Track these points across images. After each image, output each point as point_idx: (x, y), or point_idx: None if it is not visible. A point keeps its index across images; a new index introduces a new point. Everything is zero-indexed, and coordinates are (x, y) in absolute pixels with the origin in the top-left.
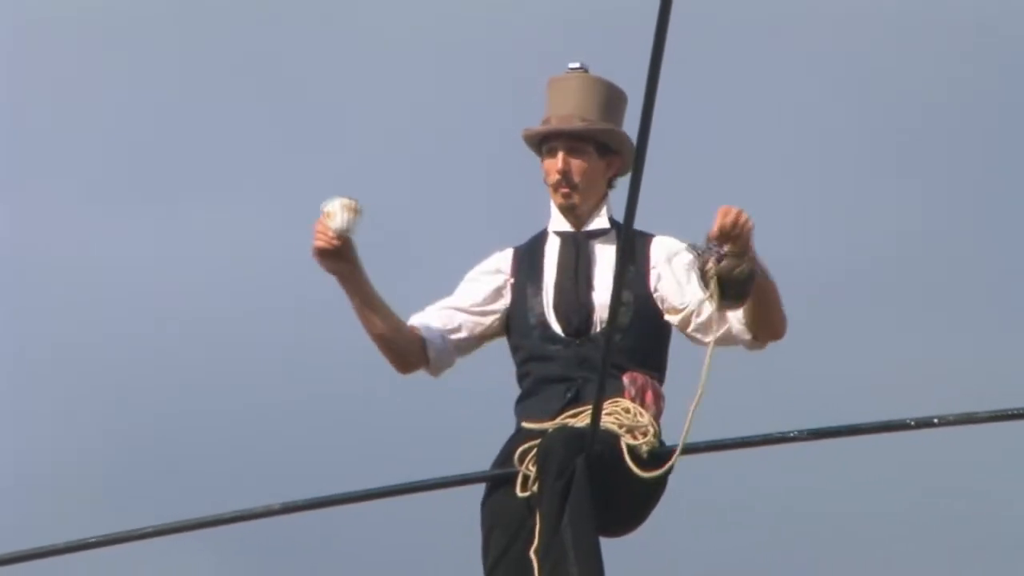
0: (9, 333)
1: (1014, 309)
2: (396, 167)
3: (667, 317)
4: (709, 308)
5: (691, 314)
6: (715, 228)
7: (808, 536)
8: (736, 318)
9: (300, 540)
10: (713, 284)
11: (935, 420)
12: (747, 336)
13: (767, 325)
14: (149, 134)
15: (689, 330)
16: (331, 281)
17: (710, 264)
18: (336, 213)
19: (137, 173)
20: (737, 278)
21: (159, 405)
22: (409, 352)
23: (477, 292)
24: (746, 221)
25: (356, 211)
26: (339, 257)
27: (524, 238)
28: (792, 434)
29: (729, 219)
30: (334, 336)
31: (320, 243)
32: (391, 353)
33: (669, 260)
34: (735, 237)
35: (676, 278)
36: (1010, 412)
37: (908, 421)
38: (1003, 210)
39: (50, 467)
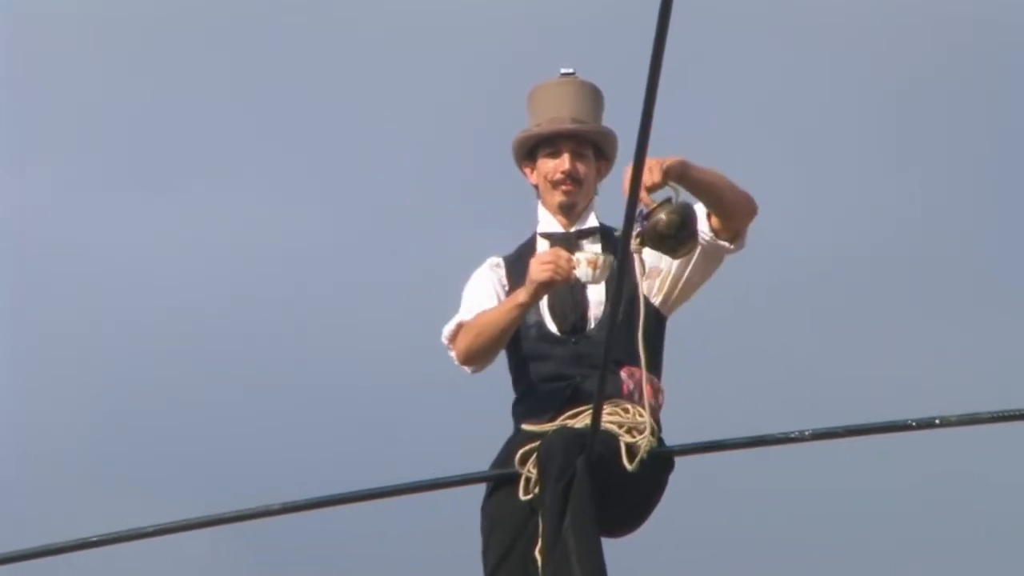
0: (6, 320)
1: (1017, 307)
2: (395, 161)
3: (656, 285)
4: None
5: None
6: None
7: (809, 536)
8: (703, 232)
9: (299, 540)
10: (650, 249)
11: (937, 421)
12: (712, 237)
13: (728, 215)
14: (149, 122)
15: (680, 276)
16: (330, 279)
17: (634, 243)
18: (598, 268)
19: (136, 161)
20: (665, 232)
21: (157, 398)
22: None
23: (498, 296)
24: (638, 170)
25: (605, 274)
26: (550, 289)
27: (511, 237)
28: (794, 434)
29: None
30: (334, 331)
31: (559, 278)
32: (489, 355)
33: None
34: (649, 188)
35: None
36: (1013, 413)
37: (910, 422)
38: (1008, 206)
39: (48, 462)
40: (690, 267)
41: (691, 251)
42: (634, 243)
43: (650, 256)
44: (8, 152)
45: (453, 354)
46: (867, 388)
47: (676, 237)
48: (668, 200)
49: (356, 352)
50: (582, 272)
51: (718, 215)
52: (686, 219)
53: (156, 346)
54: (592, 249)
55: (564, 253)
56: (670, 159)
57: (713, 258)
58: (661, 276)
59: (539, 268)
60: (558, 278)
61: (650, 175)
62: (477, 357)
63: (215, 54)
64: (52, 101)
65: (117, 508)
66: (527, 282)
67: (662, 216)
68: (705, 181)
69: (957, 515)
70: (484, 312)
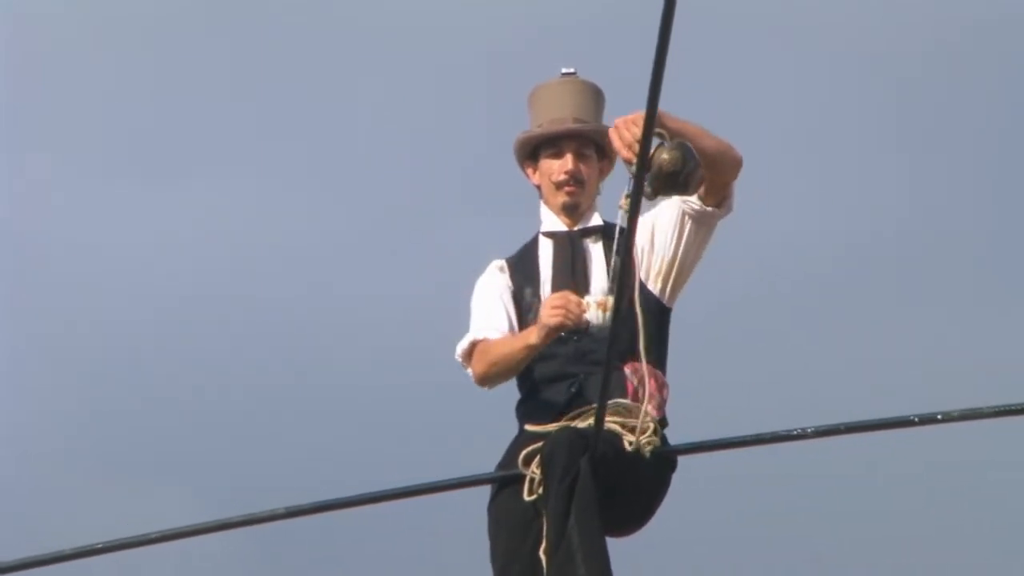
0: (6, 320)
1: (1017, 304)
2: (395, 160)
3: (654, 271)
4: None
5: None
6: (624, 156)
7: (812, 533)
8: (690, 201)
9: (304, 544)
10: (665, 192)
11: (939, 416)
12: (700, 203)
13: (712, 166)
14: (149, 121)
15: (675, 256)
16: (330, 279)
17: (647, 191)
18: (608, 310)
19: (136, 160)
20: (671, 170)
21: (157, 398)
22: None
23: (506, 304)
24: (624, 128)
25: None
26: (560, 332)
27: (512, 237)
28: (796, 432)
29: (618, 141)
30: (334, 331)
31: (569, 322)
32: (503, 381)
33: (644, 236)
34: (637, 141)
35: (650, 240)
36: (1015, 407)
37: (912, 417)
38: (1006, 204)
39: (48, 462)
40: (684, 244)
41: (702, 182)
42: (648, 191)
43: (644, 236)
44: (8, 151)
45: (469, 372)
46: (868, 385)
47: (683, 171)
48: (660, 144)
49: (358, 353)
50: (592, 315)
51: (703, 167)
52: (685, 151)
53: (156, 345)
54: (600, 291)
55: (574, 297)
56: (640, 112)
57: (704, 227)
58: (658, 260)
59: (550, 312)
60: (568, 323)
61: (632, 127)
62: (492, 382)
63: (215, 52)
64: (52, 100)
65: (118, 508)
66: (538, 326)
67: (663, 156)
68: (683, 130)
69: (958, 509)
70: (499, 342)
